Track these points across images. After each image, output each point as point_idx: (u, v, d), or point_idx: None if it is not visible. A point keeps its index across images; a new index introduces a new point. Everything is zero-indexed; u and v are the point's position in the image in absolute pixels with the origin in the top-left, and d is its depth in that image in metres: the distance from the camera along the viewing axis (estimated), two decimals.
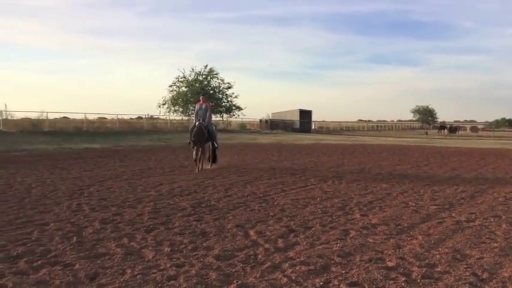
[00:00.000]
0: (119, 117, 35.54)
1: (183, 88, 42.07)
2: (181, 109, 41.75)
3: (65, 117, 38.90)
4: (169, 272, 3.93)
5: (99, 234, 5.12)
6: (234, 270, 4.01)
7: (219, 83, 43.75)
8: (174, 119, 42.47)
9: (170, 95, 41.92)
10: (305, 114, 54.34)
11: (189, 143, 11.90)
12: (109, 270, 3.94)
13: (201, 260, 4.28)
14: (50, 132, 25.33)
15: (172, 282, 3.69)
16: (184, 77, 42.19)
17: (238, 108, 44.75)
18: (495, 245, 4.97)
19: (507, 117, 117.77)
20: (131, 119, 40.79)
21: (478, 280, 3.85)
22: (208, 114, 12.38)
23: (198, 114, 12.30)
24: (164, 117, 42.34)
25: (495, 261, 4.37)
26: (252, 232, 5.34)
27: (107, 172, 10.86)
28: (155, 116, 43.97)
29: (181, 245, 4.77)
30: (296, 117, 52.84)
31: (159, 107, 41.70)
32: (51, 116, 29.70)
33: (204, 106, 12.41)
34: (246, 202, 7.26)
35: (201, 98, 13.05)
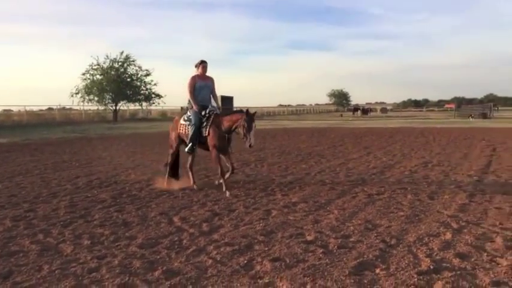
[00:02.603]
0: (27, 108, 33.17)
1: (98, 76, 40.23)
2: (96, 98, 39.93)
3: None
4: (90, 264, 3.81)
5: (10, 232, 4.80)
6: (158, 257, 4.00)
7: (136, 70, 42.45)
8: (89, 109, 40.73)
9: (84, 83, 39.91)
10: (227, 101, 54.09)
11: (189, 150, 7.35)
12: (24, 267, 3.73)
13: (124, 250, 4.20)
14: None
15: (94, 274, 3.59)
16: (98, 65, 40.33)
17: (158, 96, 43.75)
18: (401, 213, 5.45)
19: (413, 98, 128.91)
20: (41, 110, 38.25)
21: (387, 246, 4.22)
22: (214, 95, 7.57)
23: (196, 95, 7.30)
24: (78, 107, 40.33)
25: (401, 228, 4.81)
26: (176, 219, 5.33)
27: (16, 167, 10.09)
28: (68, 107, 41.68)
29: (102, 236, 4.63)
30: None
31: (72, 96, 39.53)
32: None
33: (208, 83, 7.42)
34: (169, 190, 7.18)
35: (200, 67, 7.32)
